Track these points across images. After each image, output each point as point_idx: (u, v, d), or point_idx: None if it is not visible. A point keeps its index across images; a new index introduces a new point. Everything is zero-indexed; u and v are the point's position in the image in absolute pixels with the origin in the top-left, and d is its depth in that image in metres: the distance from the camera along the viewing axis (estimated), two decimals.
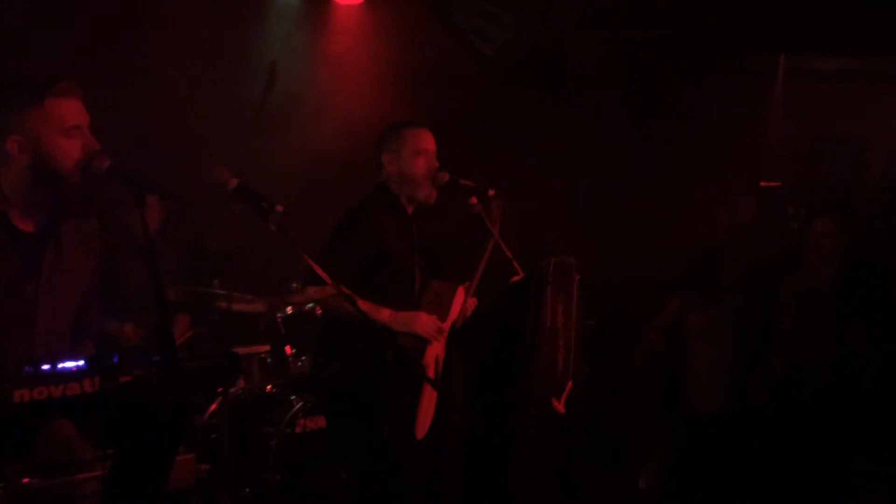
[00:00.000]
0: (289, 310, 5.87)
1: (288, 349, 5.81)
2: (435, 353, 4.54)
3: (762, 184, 8.35)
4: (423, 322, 4.46)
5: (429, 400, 4.46)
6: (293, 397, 5.51)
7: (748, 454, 6.08)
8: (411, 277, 4.61)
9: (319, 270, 3.61)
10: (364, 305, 4.28)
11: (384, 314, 4.41)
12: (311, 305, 5.89)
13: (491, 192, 4.69)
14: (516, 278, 4.76)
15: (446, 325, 4.58)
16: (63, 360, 2.71)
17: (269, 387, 5.67)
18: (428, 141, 4.65)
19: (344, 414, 4.55)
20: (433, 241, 4.74)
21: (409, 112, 5.56)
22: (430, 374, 4.48)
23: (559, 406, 4.62)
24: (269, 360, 5.81)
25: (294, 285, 5.99)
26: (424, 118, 4.82)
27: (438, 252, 4.75)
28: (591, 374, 5.15)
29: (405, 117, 4.91)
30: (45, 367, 2.65)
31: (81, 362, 2.72)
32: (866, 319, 5.70)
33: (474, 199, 4.69)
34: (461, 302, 4.68)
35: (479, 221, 4.66)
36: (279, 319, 5.86)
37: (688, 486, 6.32)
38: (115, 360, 2.80)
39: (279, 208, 3.53)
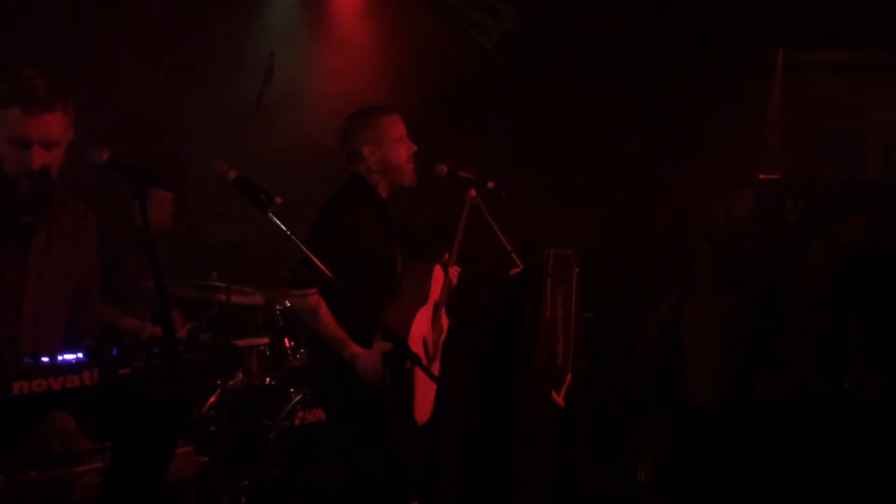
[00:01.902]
0: (287, 302, 5.86)
1: (287, 341, 5.80)
2: (421, 334, 4.53)
3: (760, 176, 8.36)
4: (363, 365, 4.37)
5: (425, 384, 4.44)
6: (292, 390, 5.51)
7: (744, 448, 6.09)
8: (394, 265, 4.60)
9: (317, 262, 3.60)
10: (337, 332, 4.30)
11: (349, 351, 4.36)
12: None
13: (490, 185, 4.67)
14: (515, 271, 4.75)
15: (429, 306, 4.58)
16: (62, 353, 2.70)
17: (267, 379, 5.67)
18: (402, 126, 4.63)
19: (339, 406, 4.54)
20: (409, 221, 4.73)
21: (406, 103, 5.54)
22: (422, 356, 4.46)
23: (559, 399, 4.61)
24: (267, 352, 5.80)
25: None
26: (422, 110, 4.80)
27: (415, 230, 4.73)
28: (590, 367, 5.15)
29: (373, 103, 4.85)
30: (45, 359, 2.65)
31: (80, 355, 2.72)
32: (861, 311, 5.71)
33: (473, 192, 4.68)
34: (441, 279, 4.66)
35: (478, 213, 4.65)
36: (278, 312, 5.85)
37: (686, 479, 6.33)
38: (115, 352, 2.79)
39: (278, 200, 3.53)
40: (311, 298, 4.31)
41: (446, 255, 4.72)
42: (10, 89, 3.22)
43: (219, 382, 5.25)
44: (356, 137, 4.57)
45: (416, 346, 4.48)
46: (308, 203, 4.58)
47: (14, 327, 3.22)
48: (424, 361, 4.46)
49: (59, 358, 2.66)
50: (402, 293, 4.52)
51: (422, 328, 4.54)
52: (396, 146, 4.54)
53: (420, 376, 4.38)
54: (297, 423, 5.41)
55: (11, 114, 3.19)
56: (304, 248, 3.66)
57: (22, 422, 2.87)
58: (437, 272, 4.66)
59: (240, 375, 5.62)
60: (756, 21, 7.87)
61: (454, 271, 4.78)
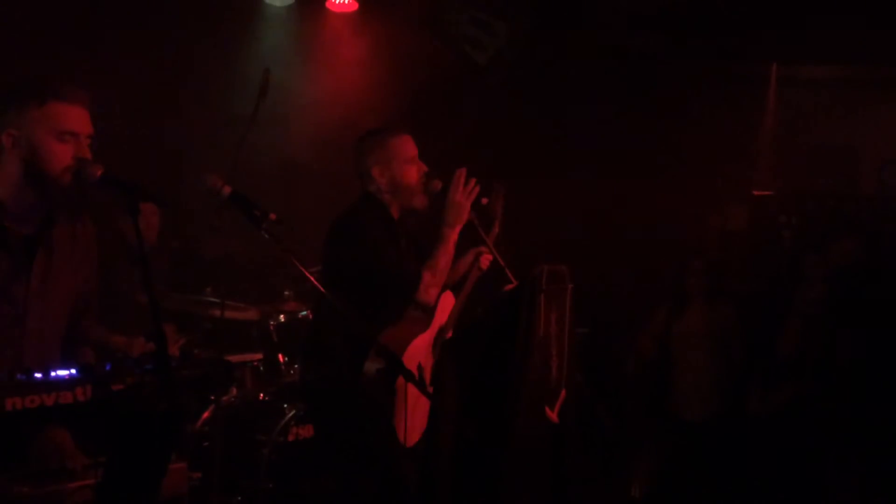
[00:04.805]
0: (281, 317, 5.86)
1: (280, 357, 5.80)
2: (418, 359, 4.51)
3: (754, 192, 8.38)
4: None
5: (414, 405, 4.42)
6: (285, 405, 5.50)
7: (738, 461, 6.09)
8: (403, 285, 4.57)
9: (312, 278, 3.60)
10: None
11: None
12: (304, 313, 5.89)
13: (484, 201, 4.67)
14: (509, 286, 4.75)
15: (433, 333, 4.55)
16: (55, 368, 2.70)
17: (261, 395, 5.66)
18: (413, 146, 4.61)
19: (331, 421, 4.52)
20: (420, 243, 4.71)
21: (399, 118, 5.55)
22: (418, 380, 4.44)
23: (552, 415, 4.61)
24: (261, 367, 5.80)
25: (287, 293, 5.99)
26: (419, 125, 4.79)
27: (425, 252, 4.71)
28: (584, 383, 5.16)
29: (385, 123, 4.87)
30: (38, 375, 2.65)
31: (74, 370, 2.71)
32: (858, 325, 5.71)
33: None
34: (450, 305, 4.64)
35: (472, 230, 4.65)
36: (272, 327, 5.86)
37: (680, 494, 6.33)
38: (108, 368, 2.79)
39: (272, 216, 3.52)
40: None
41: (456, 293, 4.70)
42: (38, 84, 3.20)
43: (212, 398, 5.25)
44: (366, 158, 4.54)
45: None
46: (303, 218, 4.59)
47: (18, 345, 3.20)
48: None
49: (53, 374, 2.66)
50: (407, 314, 4.50)
51: (419, 353, 4.50)
52: (406, 167, 4.52)
53: (409, 398, 4.36)
54: (290, 438, 5.41)
55: (53, 108, 3.17)
56: (298, 265, 3.65)
57: (15, 438, 2.86)
58: (447, 298, 4.63)
59: (233, 391, 5.62)
60: (750, 36, 7.90)
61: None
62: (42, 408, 2.63)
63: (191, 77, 6.85)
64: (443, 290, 4.62)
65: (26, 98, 3.17)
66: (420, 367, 4.48)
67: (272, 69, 5.49)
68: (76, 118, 3.21)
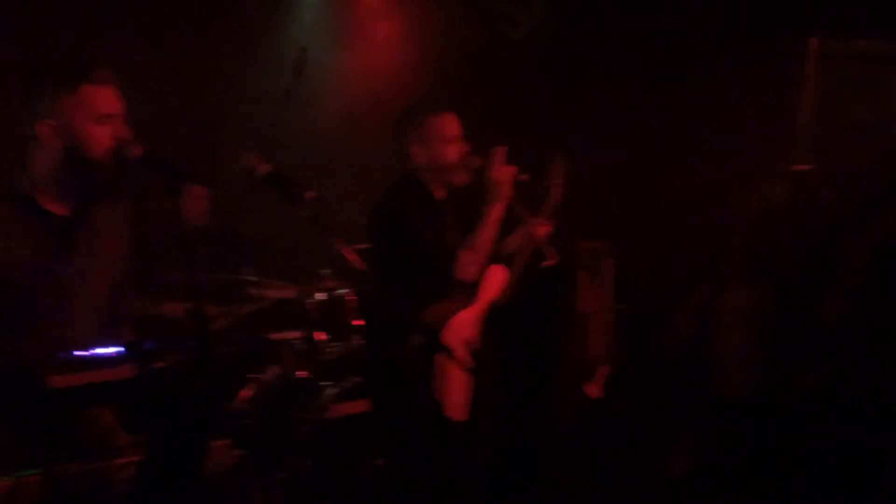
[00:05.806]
0: (321, 295, 5.86)
1: (320, 335, 5.80)
2: (464, 335, 4.50)
3: (794, 167, 8.29)
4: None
5: (458, 382, 4.42)
6: (325, 383, 5.52)
7: (778, 441, 6.06)
8: (449, 263, 4.56)
9: (349, 255, 3.60)
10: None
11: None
12: (343, 290, 5.89)
13: (523, 177, 4.65)
14: (548, 263, 4.73)
15: (481, 305, 4.54)
16: (98, 347, 2.73)
17: (301, 372, 5.67)
18: (456, 126, 4.59)
19: (383, 395, 4.55)
20: (468, 221, 4.68)
21: (436, 97, 5.51)
22: (463, 355, 4.43)
23: (596, 390, 4.61)
24: (301, 345, 5.80)
25: (325, 271, 6.00)
26: (455, 103, 4.76)
27: (472, 226, 4.68)
28: (625, 359, 5.14)
29: (426, 100, 4.85)
30: (84, 353, 2.67)
31: (117, 348, 2.74)
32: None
33: None
34: (500, 279, 4.62)
35: (513, 206, 4.63)
36: (311, 305, 5.85)
37: (721, 472, 6.31)
38: (150, 345, 2.81)
39: (310, 194, 3.53)
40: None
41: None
42: (67, 70, 3.21)
43: (252, 376, 5.28)
44: (405, 136, 4.55)
45: (456, 345, 4.44)
46: (340, 196, 4.58)
47: (65, 325, 3.23)
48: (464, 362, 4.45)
49: (97, 352, 2.69)
50: (454, 290, 4.49)
51: (465, 328, 4.48)
52: (445, 147, 4.51)
53: (455, 373, 4.37)
54: (330, 416, 5.42)
55: (87, 93, 3.19)
56: (336, 242, 3.65)
57: (60, 416, 2.89)
58: (498, 271, 4.61)
59: (274, 369, 5.63)
60: (789, 10, 7.81)
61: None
62: (88, 385, 2.66)
63: (223, 55, 6.84)
64: (494, 263, 4.61)
65: (57, 86, 3.19)
66: (468, 342, 4.48)
67: (309, 48, 5.49)
68: (111, 99, 3.24)
